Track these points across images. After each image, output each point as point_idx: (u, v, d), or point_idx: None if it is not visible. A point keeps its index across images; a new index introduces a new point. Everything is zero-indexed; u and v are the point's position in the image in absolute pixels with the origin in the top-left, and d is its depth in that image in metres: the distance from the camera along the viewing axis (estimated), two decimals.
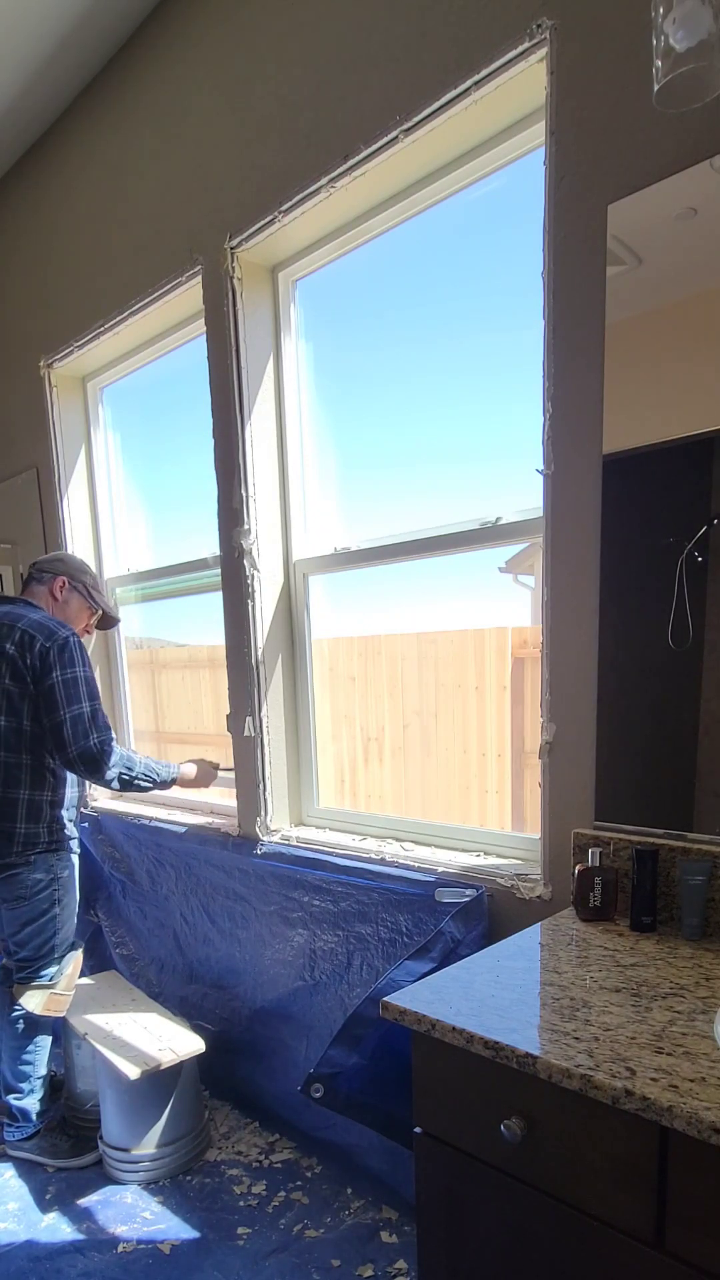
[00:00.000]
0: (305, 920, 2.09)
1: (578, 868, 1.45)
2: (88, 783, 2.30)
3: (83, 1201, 2.00)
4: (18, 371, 3.03)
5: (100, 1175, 2.10)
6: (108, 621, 2.43)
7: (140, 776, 2.14)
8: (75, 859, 2.27)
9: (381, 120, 1.69)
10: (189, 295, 2.29)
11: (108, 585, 2.95)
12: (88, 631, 2.36)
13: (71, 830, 2.23)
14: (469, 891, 1.72)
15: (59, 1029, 2.31)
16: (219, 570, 2.31)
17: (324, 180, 1.82)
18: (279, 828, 2.29)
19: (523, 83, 1.52)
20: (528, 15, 1.45)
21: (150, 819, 2.60)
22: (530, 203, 1.55)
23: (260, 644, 2.23)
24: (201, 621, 2.62)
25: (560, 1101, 0.97)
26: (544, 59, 1.45)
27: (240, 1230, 1.87)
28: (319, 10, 1.79)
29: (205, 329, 2.20)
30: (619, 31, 1.34)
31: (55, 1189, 2.06)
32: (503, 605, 1.96)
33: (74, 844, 2.25)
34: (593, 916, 1.44)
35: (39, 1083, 2.24)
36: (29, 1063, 2.21)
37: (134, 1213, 1.95)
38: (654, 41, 1.11)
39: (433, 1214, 1.17)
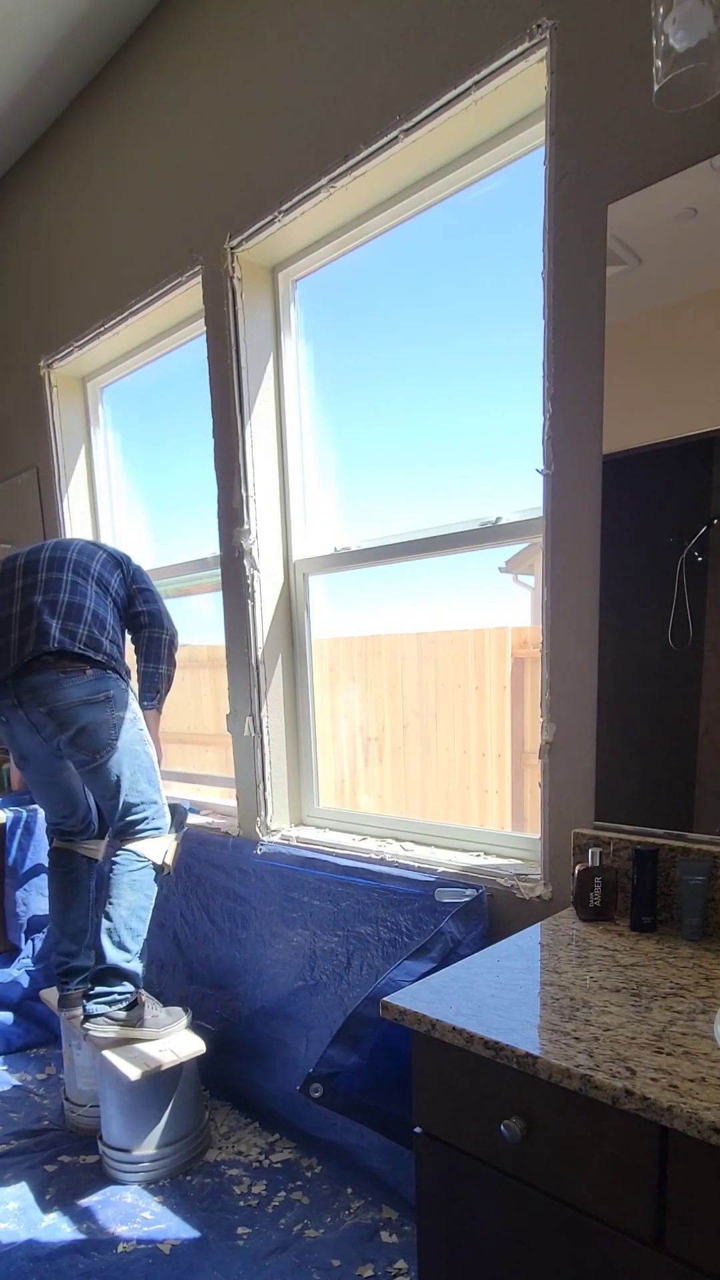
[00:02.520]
0: (305, 920, 2.09)
1: (578, 868, 1.45)
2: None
3: (83, 1201, 2.00)
4: (18, 371, 3.03)
5: (100, 1175, 2.10)
6: None
7: (170, 663, 2.25)
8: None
9: (381, 120, 1.69)
10: (189, 295, 2.29)
11: None
12: None
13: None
14: (469, 891, 1.72)
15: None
16: (219, 570, 2.31)
17: (324, 180, 1.83)
18: (279, 828, 2.29)
19: (523, 83, 1.52)
20: (528, 15, 1.45)
21: None
22: (530, 203, 1.55)
23: (260, 644, 2.23)
24: (201, 621, 2.63)
25: (560, 1101, 0.97)
26: (544, 59, 1.45)
27: (240, 1230, 1.87)
28: (319, 10, 1.79)
29: (205, 329, 2.20)
30: (619, 31, 1.34)
31: (55, 1189, 2.05)
32: (503, 605, 1.96)
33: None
34: (593, 916, 1.44)
35: (144, 944, 2.09)
36: (144, 919, 2.07)
37: (134, 1213, 1.95)
38: (654, 41, 1.11)
39: (433, 1214, 1.17)
